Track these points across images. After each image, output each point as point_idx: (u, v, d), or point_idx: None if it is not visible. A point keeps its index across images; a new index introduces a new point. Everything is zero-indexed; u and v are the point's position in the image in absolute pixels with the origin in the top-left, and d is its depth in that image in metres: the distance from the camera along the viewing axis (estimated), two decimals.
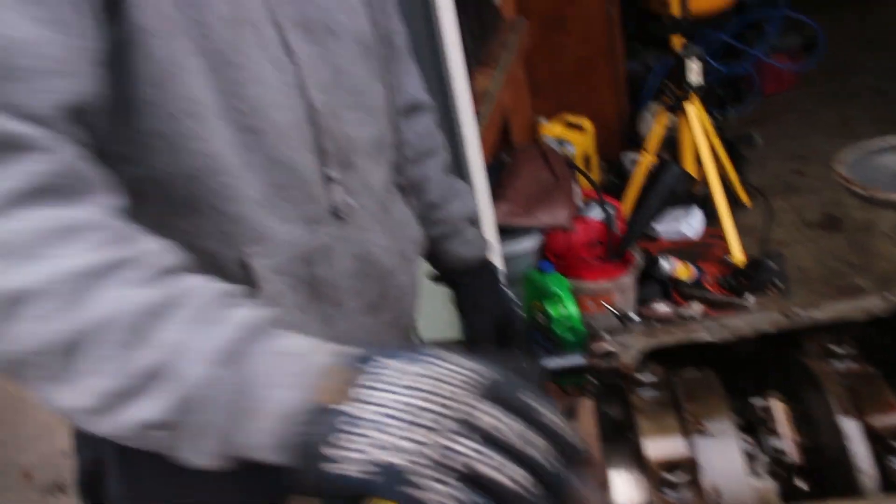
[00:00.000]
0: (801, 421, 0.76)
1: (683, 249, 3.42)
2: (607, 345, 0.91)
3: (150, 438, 0.67)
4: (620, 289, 2.81)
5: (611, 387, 0.91)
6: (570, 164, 3.24)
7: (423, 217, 1.23)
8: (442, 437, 0.57)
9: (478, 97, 2.41)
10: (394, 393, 0.60)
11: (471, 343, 1.28)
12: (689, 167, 3.45)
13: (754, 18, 4.61)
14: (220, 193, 0.86)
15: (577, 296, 2.71)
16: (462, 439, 0.57)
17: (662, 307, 2.87)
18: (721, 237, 3.29)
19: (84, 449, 1.04)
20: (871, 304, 0.85)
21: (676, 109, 3.41)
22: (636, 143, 4.07)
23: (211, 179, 0.84)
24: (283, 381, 0.65)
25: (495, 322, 1.29)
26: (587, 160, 3.77)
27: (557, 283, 2.66)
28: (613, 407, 0.90)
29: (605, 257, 2.91)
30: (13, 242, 0.66)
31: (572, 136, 3.69)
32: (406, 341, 1.17)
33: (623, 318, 1.14)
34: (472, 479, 0.56)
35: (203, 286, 0.70)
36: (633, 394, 0.79)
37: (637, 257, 2.90)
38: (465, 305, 1.32)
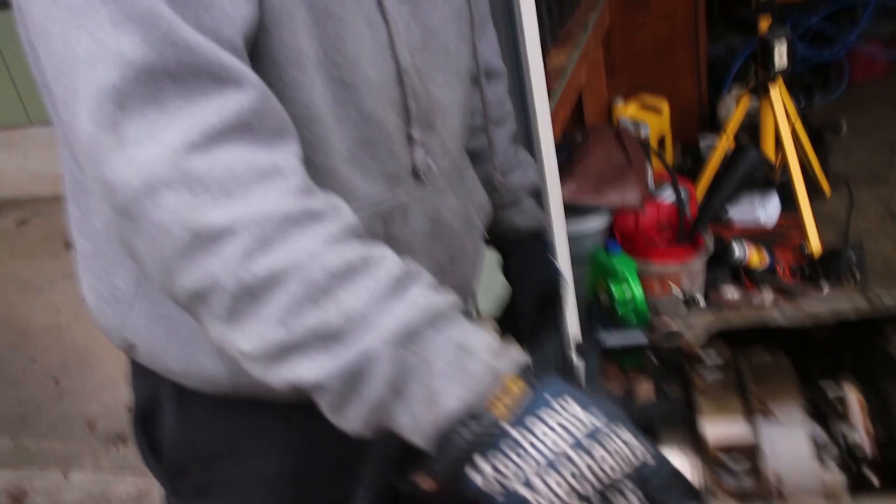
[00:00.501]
0: (878, 412, 0.72)
1: (757, 235, 3.32)
2: (671, 323, 0.87)
3: (302, 393, 0.67)
4: (689, 272, 2.74)
5: (672, 366, 0.87)
6: (644, 145, 3.16)
7: (486, 183, 1.23)
8: None
9: (552, 74, 2.37)
10: (562, 441, 0.61)
11: (514, 309, 1.31)
12: (769, 152, 3.34)
13: (848, 3, 4.43)
14: (314, 144, 0.86)
15: (644, 277, 2.65)
16: None
17: (732, 292, 2.80)
18: (798, 225, 3.17)
19: (141, 385, 1.05)
20: None
21: (760, 93, 3.29)
22: (714, 127, 3.96)
23: (306, 129, 0.84)
24: (460, 378, 0.64)
25: (539, 292, 1.32)
26: (661, 142, 3.68)
27: (623, 264, 2.61)
28: (673, 387, 0.87)
29: (675, 240, 2.83)
30: (212, 179, 0.66)
31: (647, 118, 3.61)
32: (467, 308, 1.17)
33: (690, 302, 1.09)
34: None
35: (390, 257, 0.70)
36: (694, 373, 0.75)
37: (708, 241, 2.82)
38: (511, 273, 1.35)
